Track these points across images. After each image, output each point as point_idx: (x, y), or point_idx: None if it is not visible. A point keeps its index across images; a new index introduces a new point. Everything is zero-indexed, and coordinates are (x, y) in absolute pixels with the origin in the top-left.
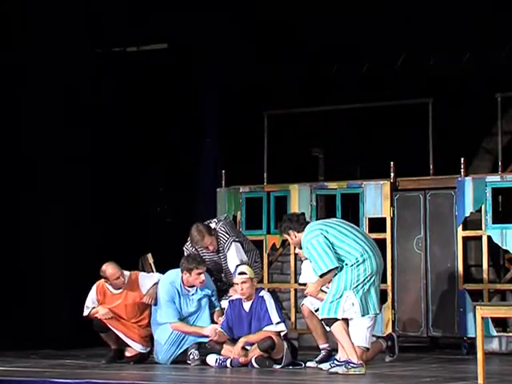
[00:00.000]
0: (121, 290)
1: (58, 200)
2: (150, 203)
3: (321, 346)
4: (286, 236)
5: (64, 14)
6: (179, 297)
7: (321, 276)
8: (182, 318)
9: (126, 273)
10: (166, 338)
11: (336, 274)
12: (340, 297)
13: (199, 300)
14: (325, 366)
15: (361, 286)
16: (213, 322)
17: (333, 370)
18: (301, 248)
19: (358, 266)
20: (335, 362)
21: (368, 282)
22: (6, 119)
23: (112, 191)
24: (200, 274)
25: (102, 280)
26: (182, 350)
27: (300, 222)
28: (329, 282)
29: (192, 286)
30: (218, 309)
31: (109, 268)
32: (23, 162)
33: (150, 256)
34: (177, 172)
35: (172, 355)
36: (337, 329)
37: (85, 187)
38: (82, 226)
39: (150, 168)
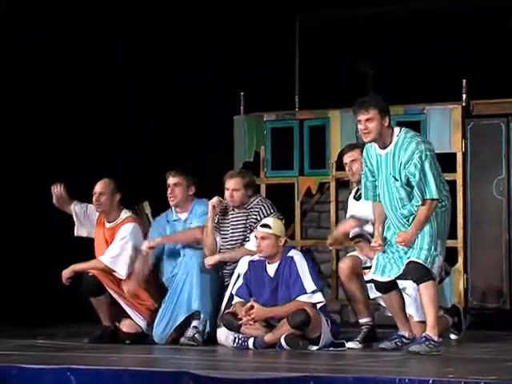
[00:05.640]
0: (112, 224)
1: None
2: (151, 139)
3: (361, 321)
4: (372, 114)
5: None
6: (167, 224)
7: (422, 203)
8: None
9: (125, 212)
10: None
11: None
12: (436, 247)
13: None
14: (388, 345)
15: (446, 237)
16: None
17: (412, 349)
18: (374, 141)
19: (445, 211)
20: (403, 339)
21: (447, 234)
22: None
23: (106, 122)
24: (175, 185)
25: None
26: (175, 325)
27: None
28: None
29: (183, 212)
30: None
31: (99, 182)
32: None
33: (146, 205)
34: (183, 96)
35: (166, 331)
36: (430, 290)
37: (73, 117)
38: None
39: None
